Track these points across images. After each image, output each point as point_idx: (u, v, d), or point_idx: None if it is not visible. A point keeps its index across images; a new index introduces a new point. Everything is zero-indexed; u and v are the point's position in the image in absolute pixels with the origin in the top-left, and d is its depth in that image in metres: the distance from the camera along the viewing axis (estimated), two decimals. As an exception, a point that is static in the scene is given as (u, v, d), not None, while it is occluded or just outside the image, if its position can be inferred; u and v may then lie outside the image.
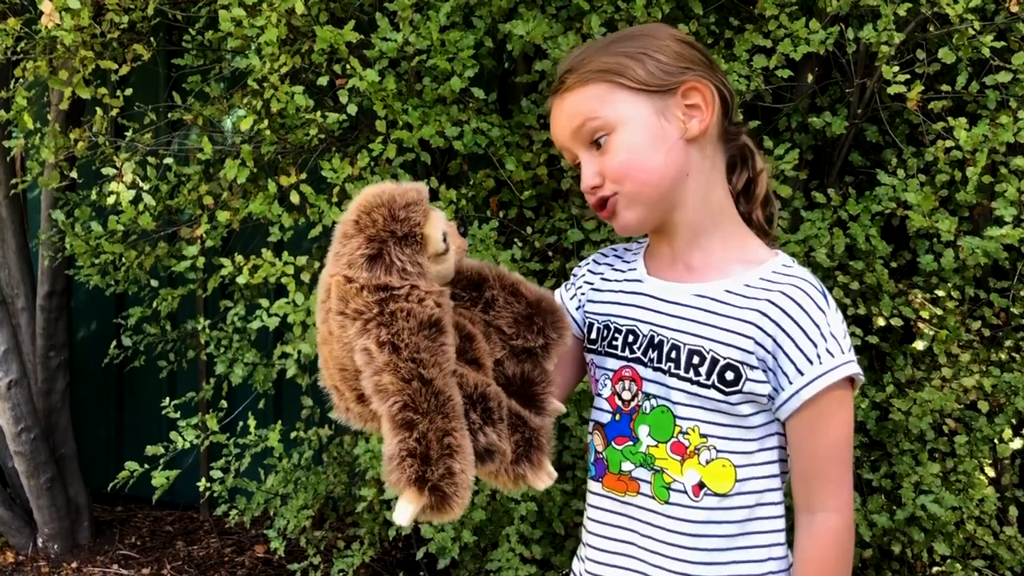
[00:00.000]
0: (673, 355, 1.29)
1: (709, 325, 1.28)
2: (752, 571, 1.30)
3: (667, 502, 1.30)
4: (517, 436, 1.18)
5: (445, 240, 1.19)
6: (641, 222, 1.33)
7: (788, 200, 2.61)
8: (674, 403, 1.29)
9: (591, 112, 1.29)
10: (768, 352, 1.25)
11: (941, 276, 2.60)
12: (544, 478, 1.20)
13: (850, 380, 1.26)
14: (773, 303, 1.25)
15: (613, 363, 1.37)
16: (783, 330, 1.24)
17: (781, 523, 1.33)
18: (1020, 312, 2.64)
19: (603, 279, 1.45)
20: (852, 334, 2.58)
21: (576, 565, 1.49)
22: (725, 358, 1.26)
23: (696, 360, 1.27)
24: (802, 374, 1.24)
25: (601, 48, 1.32)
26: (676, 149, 1.29)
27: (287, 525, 3.01)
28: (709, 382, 1.26)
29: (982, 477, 2.62)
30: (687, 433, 1.28)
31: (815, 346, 1.24)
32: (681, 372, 1.28)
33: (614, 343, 1.37)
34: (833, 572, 1.31)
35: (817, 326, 1.24)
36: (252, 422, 3.06)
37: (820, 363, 1.23)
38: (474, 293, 1.27)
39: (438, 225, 1.19)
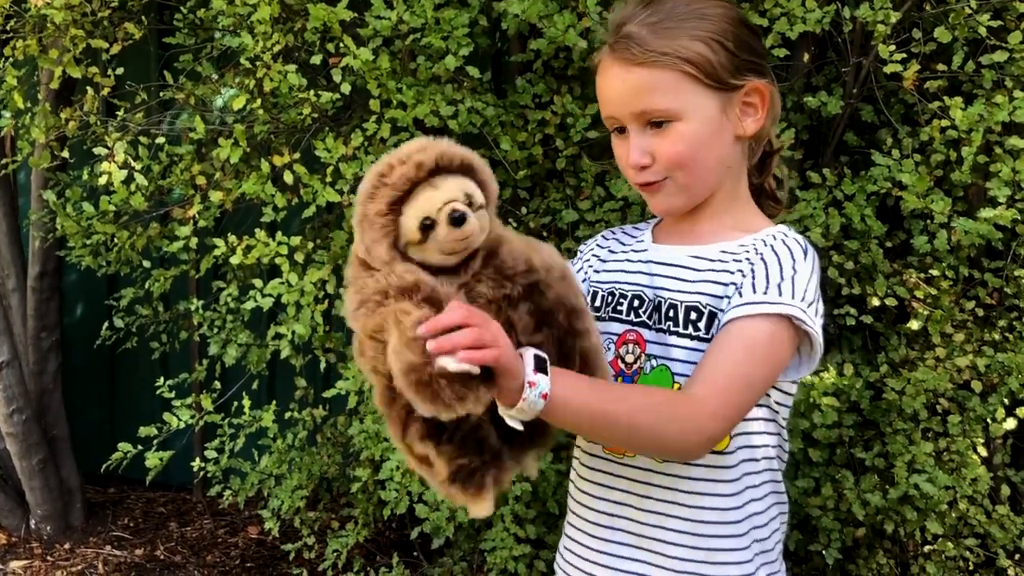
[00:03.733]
0: (671, 314, 1.31)
1: (703, 281, 1.30)
2: (761, 529, 1.32)
3: (666, 460, 1.30)
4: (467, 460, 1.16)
5: (425, 229, 1.13)
6: (682, 208, 1.36)
7: (783, 180, 2.60)
8: (672, 360, 1.30)
9: (661, 97, 1.28)
10: (734, 283, 1.27)
11: (935, 256, 2.60)
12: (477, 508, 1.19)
13: (797, 332, 1.25)
14: (756, 248, 1.29)
15: (617, 327, 1.38)
16: (751, 264, 1.27)
17: (781, 486, 1.37)
18: (1014, 292, 2.64)
19: (609, 251, 1.48)
20: (847, 314, 2.58)
21: (560, 558, 1.47)
22: (720, 310, 1.27)
23: (694, 316, 1.29)
24: (741, 296, 1.25)
25: (674, 23, 1.28)
26: (728, 145, 1.33)
27: (281, 506, 3.01)
28: (709, 335, 1.28)
29: (975, 456, 2.63)
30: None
31: (768, 279, 1.25)
32: (680, 329, 1.30)
33: (619, 308, 1.38)
34: (653, 402, 1.21)
35: (780, 267, 1.26)
36: (247, 402, 3.05)
37: (765, 294, 1.24)
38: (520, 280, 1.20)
39: (421, 210, 1.13)
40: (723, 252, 1.32)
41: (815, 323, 1.25)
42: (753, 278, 1.25)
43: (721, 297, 1.28)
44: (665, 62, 1.27)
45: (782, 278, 1.25)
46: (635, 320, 1.36)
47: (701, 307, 1.29)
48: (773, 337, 1.24)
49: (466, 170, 1.17)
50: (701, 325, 1.28)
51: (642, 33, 1.28)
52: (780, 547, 1.37)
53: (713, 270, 1.31)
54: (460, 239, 1.14)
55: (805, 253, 1.28)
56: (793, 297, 1.23)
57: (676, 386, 1.29)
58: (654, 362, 1.32)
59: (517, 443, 1.20)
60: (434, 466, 1.16)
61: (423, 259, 1.15)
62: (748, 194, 1.41)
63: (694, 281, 1.31)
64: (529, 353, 1.12)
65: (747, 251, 1.30)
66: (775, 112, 1.36)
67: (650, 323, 1.34)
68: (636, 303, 1.36)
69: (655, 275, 1.36)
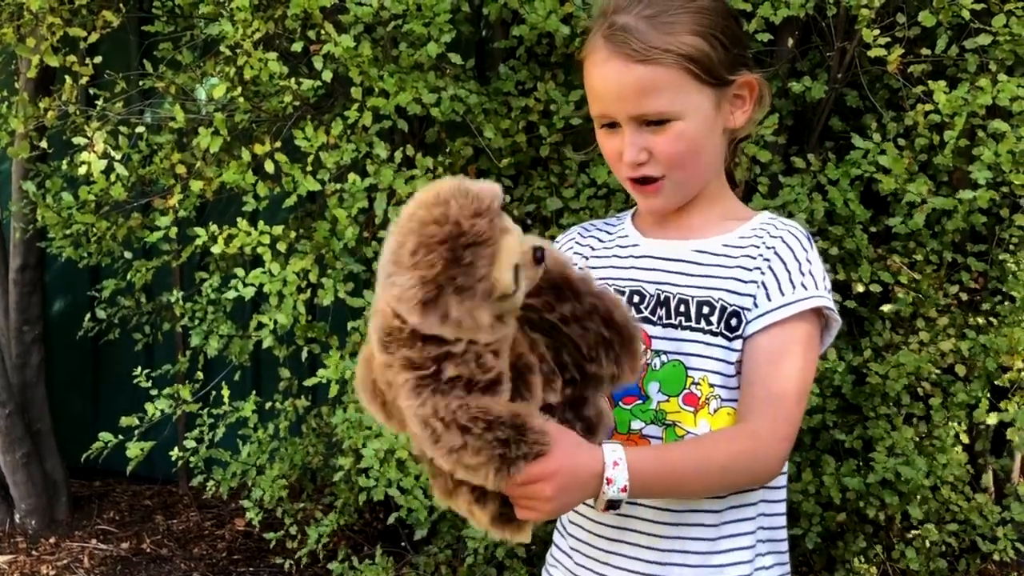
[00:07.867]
0: (682, 309, 1.31)
1: (712, 276, 1.31)
2: (746, 516, 1.32)
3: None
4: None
5: (517, 277, 1.03)
6: (676, 207, 1.35)
7: (767, 165, 2.60)
8: (686, 355, 1.30)
9: (663, 98, 1.25)
10: (755, 281, 1.28)
11: (919, 241, 2.60)
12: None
13: (822, 317, 1.29)
14: (763, 242, 1.31)
15: None
16: (768, 261, 1.28)
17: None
18: (997, 276, 2.64)
19: (591, 248, 1.45)
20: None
21: (554, 555, 1.46)
22: (731, 305, 1.28)
23: (706, 310, 1.29)
24: (771, 300, 1.27)
25: (671, 17, 1.25)
26: (718, 139, 1.33)
27: (263, 496, 2.99)
28: (718, 330, 1.28)
29: (953, 441, 2.63)
30: (698, 384, 1.29)
31: (790, 276, 1.28)
32: (693, 324, 1.29)
33: None
34: (725, 460, 1.24)
35: (798, 262, 1.28)
36: (225, 392, 3.03)
37: (793, 292, 1.27)
38: (555, 302, 1.16)
39: (510, 259, 1.02)
40: (725, 246, 1.33)
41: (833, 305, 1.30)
42: (776, 278, 1.27)
43: (741, 295, 1.28)
44: (667, 60, 1.24)
45: (802, 273, 1.28)
46: (637, 317, 1.32)
47: (714, 302, 1.28)
48: (808, 334, 1.28)
49: None
50: (714, 319, 1.28)
51: (640, 26, 1.24)
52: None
53: (722, 266, 1.31)
54: (539, 275, 1.09)
55: (807, 239, 1.32)
56: (816, 288, 1.27)
57: (689, 380, 1.28)
58: (664, 357, 1.30)
59: None
60: (475, 516, 1.18)
61: (512, 307, 1.07)
62: (726, 181, 1.41)
63: (701, 276, 1.31)
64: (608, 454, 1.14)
65: (753, 245, 1.31)
66: (764, 104, 1.36)
67: (654, 319, 1.32)
68: (635, 299, 1.34)
69: (655, 270, 1.35)
